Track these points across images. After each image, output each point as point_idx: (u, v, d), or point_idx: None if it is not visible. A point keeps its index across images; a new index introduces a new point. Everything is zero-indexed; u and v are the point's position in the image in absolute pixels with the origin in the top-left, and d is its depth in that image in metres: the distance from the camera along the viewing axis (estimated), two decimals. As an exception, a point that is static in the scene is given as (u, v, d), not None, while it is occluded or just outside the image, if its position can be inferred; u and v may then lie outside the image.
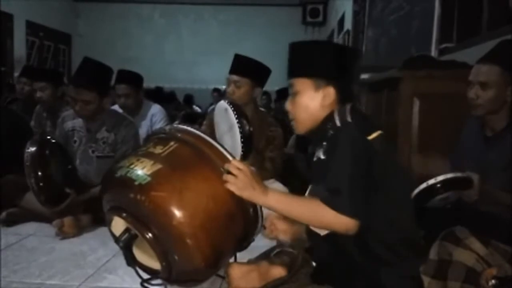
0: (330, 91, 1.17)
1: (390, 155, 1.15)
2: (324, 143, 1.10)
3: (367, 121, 1.14)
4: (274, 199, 1.09)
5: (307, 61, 1.19)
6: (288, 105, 1.24)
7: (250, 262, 1.31)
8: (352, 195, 1.02)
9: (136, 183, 1.04)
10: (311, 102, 1.18)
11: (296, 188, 2.34)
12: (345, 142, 1.05)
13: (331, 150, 1.07)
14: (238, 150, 1.63)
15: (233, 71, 2.31)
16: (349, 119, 1.08)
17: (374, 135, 1.07)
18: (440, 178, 1.36)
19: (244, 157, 1.57)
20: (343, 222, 1.01)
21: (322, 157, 1.09)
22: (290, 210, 1.10)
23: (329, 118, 1.14)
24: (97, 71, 2.19)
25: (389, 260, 1.09)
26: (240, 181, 1.05)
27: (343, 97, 1.18)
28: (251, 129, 1.82)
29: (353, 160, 1.03)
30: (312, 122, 1.20)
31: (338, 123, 1.09)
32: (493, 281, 1.12)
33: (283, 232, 1.33)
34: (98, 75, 2.19)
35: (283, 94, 4.74)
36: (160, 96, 3.78)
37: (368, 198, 1.04)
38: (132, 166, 1.09)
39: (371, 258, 1.09)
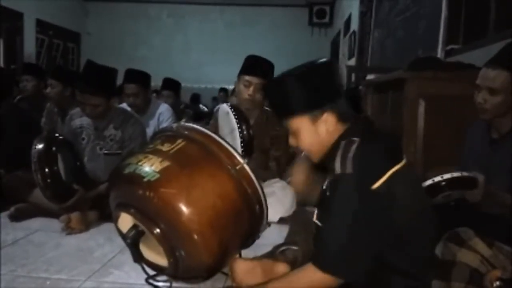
0: (329, 118, 1.12)
1: (405, 193, 1.04)
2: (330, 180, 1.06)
3: (374, 164, 1.02)
4: None
5: (290, 100, 1.13)
6: (293, 142, 1.20)
7: (254, 259, 1.33)
8: (342, 254, 0.99)
9: (145, 179, 1.05)
10: (314, 136, 1.14)
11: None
12: (340, 197, 1.00)
13: (331, 200, 1.03)
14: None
15: (256, 73, 2.23)
16: (349, 169, 0.99)
17: (382, 180, 0.99)
18: (447, 176, 1.36)
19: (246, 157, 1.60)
20: (330, 281, 1.00)
21: (328, 193, 1.07)
22: None
23: (335, 148, 1.06)
24: (101, 75, 2.18)
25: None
26: None
27: (344, 114, 1.13)
28: (251, 132, 1.84)
29: (348, 217, 0.99)
30: (324, 149, 1.15)
31: (338, 169, 1.01)
32: (497, 283, 1.12)
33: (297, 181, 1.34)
34: (103, 80, 2.18)
35: None
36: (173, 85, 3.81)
37: (368, 250, 1.00)
38: (140, 163, 1.10)
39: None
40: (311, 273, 1.02)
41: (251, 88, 2.23)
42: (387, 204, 1.00)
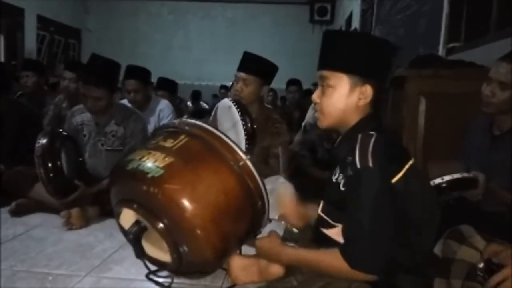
0: (368, 91, 1.06)
1: (417, 189, 1.04)
2: (347, 173, 1.03)
3: (392, 158, 1.00)
4: (292, 261, 1.11)
5: (346, 53, 1.07)
6: (316, 97, 1.12)
7: (252, 256, 1.32)
8: (371, 250, 0.97)
9: (149, 175, 1.05)
10: (345, 101, 1.08)
11: (300, 184, 2.35)
12: (365, 192, 0.97)
13: (350, 192, 1.01)
14: (242, 146, 1.65)
15: (241, 68, 2.28)
16: (369, 163, 0.97)
17: (399, 175, 0.98)
18: (447, 178, 1.35)
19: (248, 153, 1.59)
20: (361, 276, 0.97)
21: (342, 188, 1.04)
22: (310, 267, 1.08)
23: (352, 139, 1.03)
24: (105, 67, 2.21)
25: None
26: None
27: (377, 99, 1.08)
28: (254, 125, 1.84)
29: (374, 211, 0.96)
30: (341, 120, 1.11)
31: (358, 163, 0.98)
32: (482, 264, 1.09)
33: (288, 212, 1.33)
34: (106, 72, 2.20)
35: (292, 83, 4.74)
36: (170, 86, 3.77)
37: (391, 245, 0.99)
38: (143, 159, 1.10)
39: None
40: (342, 266, 0.98)
41: (238, 84, 2.27)
42: (403, 198, 0.99)
